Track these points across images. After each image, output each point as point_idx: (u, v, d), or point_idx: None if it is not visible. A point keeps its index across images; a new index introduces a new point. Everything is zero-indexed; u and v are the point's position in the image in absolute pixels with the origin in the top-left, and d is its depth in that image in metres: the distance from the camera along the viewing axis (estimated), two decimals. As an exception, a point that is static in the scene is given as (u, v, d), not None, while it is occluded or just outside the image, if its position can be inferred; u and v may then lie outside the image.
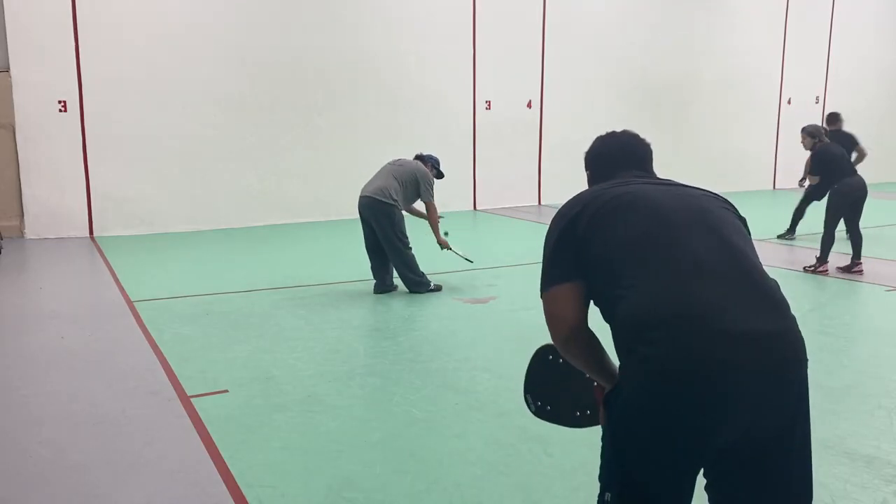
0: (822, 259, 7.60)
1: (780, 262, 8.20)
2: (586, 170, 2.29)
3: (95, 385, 4.54)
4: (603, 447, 1.92)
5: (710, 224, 1.87)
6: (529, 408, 2.22)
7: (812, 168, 7.72)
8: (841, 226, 7.66)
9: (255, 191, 11.31)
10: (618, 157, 2.17)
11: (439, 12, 12.45)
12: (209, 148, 10.97)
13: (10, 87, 9.86)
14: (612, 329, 1.87)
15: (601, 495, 1.90)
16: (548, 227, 2.04)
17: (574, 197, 2.03)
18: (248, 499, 3.13)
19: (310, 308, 6.41)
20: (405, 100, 12.20)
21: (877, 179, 15.71)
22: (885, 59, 17.73)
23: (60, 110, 10.09)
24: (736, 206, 2.07)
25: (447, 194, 12.91)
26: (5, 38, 9.79)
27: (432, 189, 6.94)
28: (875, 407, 4.11)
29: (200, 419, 3.96)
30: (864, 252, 7.71)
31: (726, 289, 1.74)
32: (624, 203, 1.91)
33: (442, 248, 7.15)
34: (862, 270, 7.57)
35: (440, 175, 7.25)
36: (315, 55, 11.57)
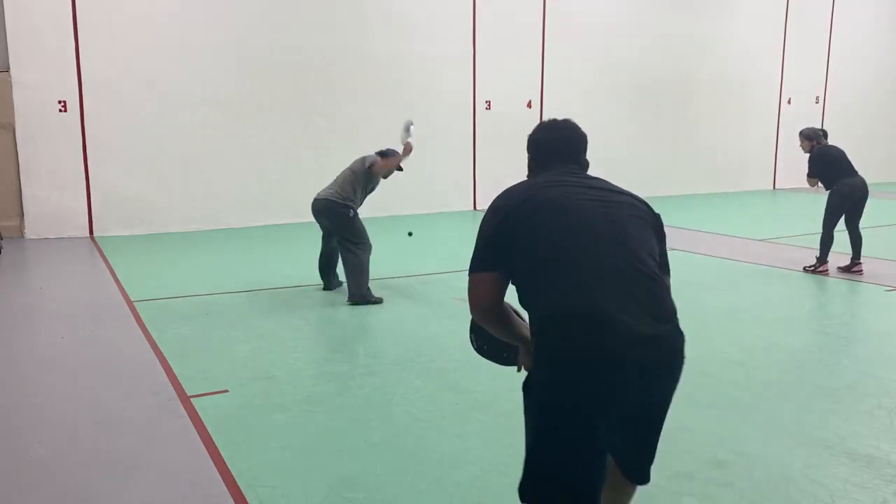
0: (822, 259, 7.61)
1: (780, 262, 8.20)
2: (527, 152, 2.51)
3: (95, 385, 4.54)
4: (525, 422, 2.21)
5: (619, 235, 2.13)
6: (472, 345, 2.61)
7: (810, 170, 7.71)
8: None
9: (255, 191, 11.31)
10: (556, 147, 2.42)
11: (439, 12, 12.45)
12: (209, 148, 10.97)
13: (10, 87, 9.86)
14: (528, 314, 2.18)
15: (525, 464, 2.22)
16: (485, 213, 2.26)
17: (511, 189, 2.28)
18: (248, 499, 3.13)
19: (310, 308, 6.41)
20: (405, 100, 12.20)
21: (877, 179, 15.72)
22: (885, 60, 17.73)
23: (60, 110, 10.09)
24: (650, 206, 2.31)
25: (447, 194, 12.97)
26: (5, 38, 9.79)
27: (374, 157, 6.79)
28: (875, 407, 4.11)
29: (200, 419, 3.96)
30: (864, 252, 7.71)
31: (624, 295, 2.03)
32: (552, 206, 2.16)
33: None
34: (862, 271, 7.57)
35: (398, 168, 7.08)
36: (315, 55, 11.57)
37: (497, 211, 2.22)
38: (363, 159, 6.80)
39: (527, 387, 2.21)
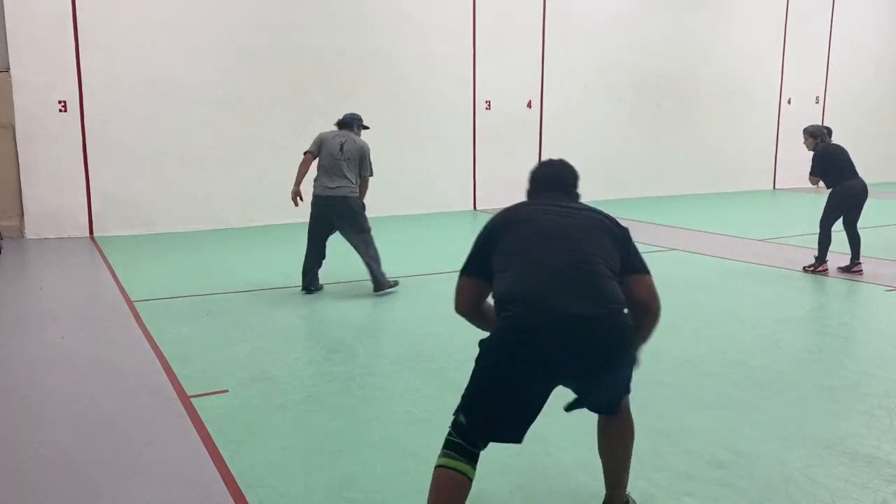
0: (821, 259, 7.58)
1: (780, 262, 8.20)
2: (528, 183, 3.09)
3: (95, 385, 4.54)
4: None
5: (566, 241, 2.66)
6: None
7: (813, 168, 7.65)
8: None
9: (255, 191, 11.31)
10: (545, 181, 3.01)
11: (439, 12, 12.45)
12: (209, 148, 10.98)
13: (10, 87, 9.86)
14: (494, 301, 2.74)
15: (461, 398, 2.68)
16: (481, 231, 2.87)
17: (503, 210, 2.91)
18: (248, 499, 3.13)
19: (310, 308, 6.42)
20: (405, 100, 12.21)
21: (877, 179, 15.71)
22: (885, 60, 17.74)
23: (60, 110, 10.09)
24: (614, 221, 2.79)
25: (447, 194, 12.97)
26: (5, 38, 9.79)
27: (362, 142, 6.93)
28: (875, 407, 4.11)
29: (200, 419, 3.96)
30: (864, 252, 7.70)
31: (561, 285, 2.55)
32: (521, 223, 2.77)
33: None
34: (862, 271, 7.55)
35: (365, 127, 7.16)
36: (315, 55, 11.57)
37: (485, 228, 2.85)
38: (361, 148, 6.82)
39: (481, 344, 2.76)
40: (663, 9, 14.72)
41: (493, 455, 3.54)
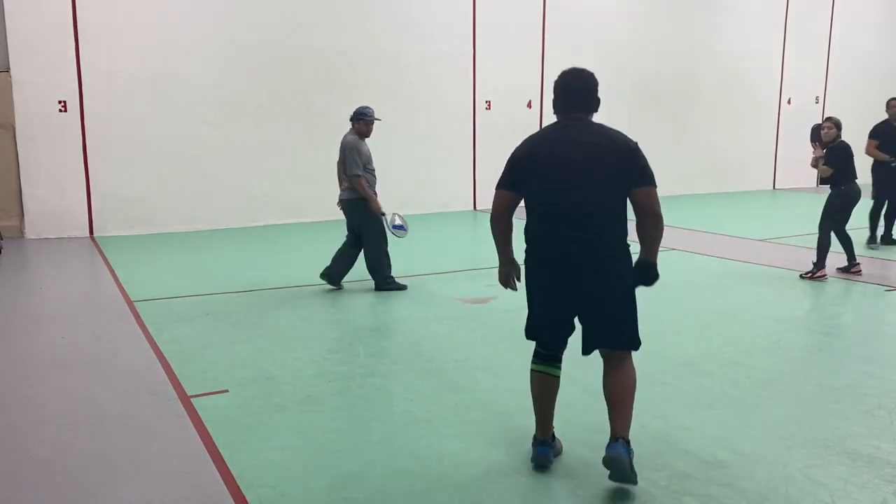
0: (820, 264, 7.31)
1: (780, 262, 8.20)
2: (553, 93, 3.50)
3: (95, 385, 4.54)
4: None
5: (576, 192, 3.15)
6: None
7: (828, 159, 7.21)
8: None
9: (255, 191, 11.31)
10: (563, 98, 3.41)
11: (439, 12, 12.45)
12: (209, 148, 10.97)
13: (10, 87, 9.86)
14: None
15: None
16: (512, 151, 3.41)
17: (527, 140, 3.41)
18: (248, 499, 3.13)
19: (310, 308, 6.41)
20: (405, 100, 12.21)
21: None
22: (885, 60, 17.73)
23: (60, 110, 10.09)
24: (622, 144, 3.29)
25: (447, 194, 12.97)
26: (5, 38, 9.79)
27: (346, 137, 6.88)
28: (875, 407, 4.11)
29: (200, 419, 3.96)
30: (863, 252, 7.64)
31: (563, 226, 3.16)
32: (543, 159, 3.26)
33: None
34: (860, 271, 7.50)
35: (371, 118, 7.05)
36: (315, 55, 11.57)
37: (517, 153, 3.38)
38: (342, 148, 6.89)
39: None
40: (663, 9, 14.72)
41: (493, 455, 3.55)
